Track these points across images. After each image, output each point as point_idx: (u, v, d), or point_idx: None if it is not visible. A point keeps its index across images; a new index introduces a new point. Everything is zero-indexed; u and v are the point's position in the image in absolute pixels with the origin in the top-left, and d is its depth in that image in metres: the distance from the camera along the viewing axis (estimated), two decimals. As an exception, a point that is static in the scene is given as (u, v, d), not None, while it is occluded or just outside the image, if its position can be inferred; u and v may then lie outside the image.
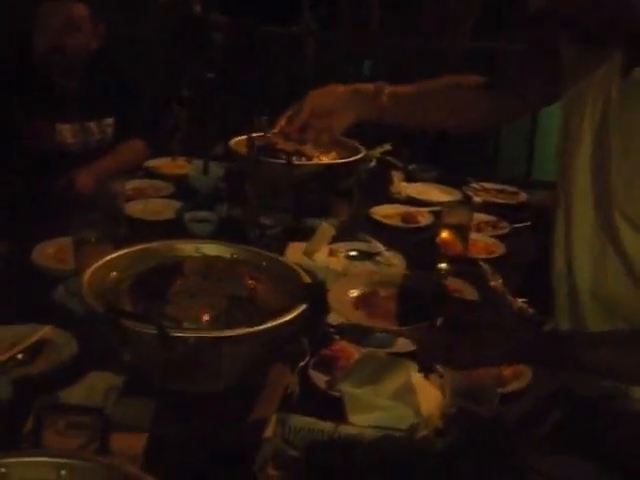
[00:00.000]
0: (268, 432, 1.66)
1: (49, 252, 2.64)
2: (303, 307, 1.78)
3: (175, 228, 2.90)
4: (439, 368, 1.96)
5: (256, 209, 2.82)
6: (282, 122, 2.29)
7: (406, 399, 1.75)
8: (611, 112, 1.67)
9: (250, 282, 1.90)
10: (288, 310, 1.76)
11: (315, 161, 2.93)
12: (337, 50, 6.65)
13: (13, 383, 1.84)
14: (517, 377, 2.02)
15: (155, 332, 1.62)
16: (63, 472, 1.20)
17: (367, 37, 6.43)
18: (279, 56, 6.79)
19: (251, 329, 1.69)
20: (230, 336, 1.68)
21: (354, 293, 1.86)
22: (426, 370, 1.86)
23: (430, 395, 1.80)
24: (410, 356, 1.98)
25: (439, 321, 1.64)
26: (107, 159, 3.41)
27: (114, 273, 1.97)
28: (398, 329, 1.76)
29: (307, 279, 1.95)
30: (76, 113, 3.44)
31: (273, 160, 2.86)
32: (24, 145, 3.38)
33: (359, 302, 1.84)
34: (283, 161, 2.83)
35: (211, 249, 2.04)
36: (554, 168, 1.89)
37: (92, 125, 3.49)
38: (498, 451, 1.60)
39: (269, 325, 1.70)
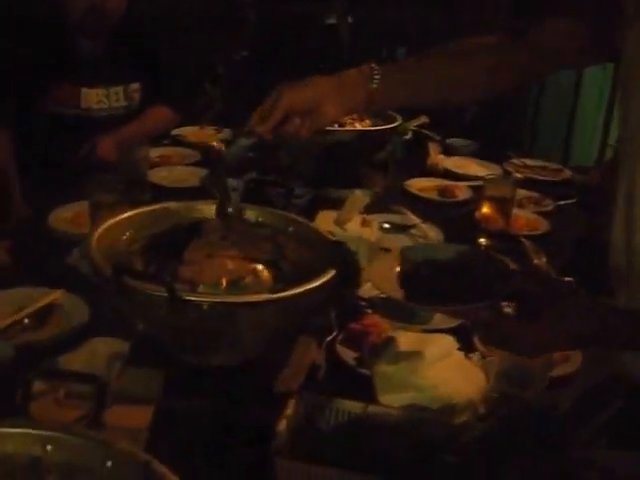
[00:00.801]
0: (289, 410, 1.47)
1: (66, 216, 2.49)
2: (331, 274, 1.57)
3: (199, 196, 2.72)
4: (482, 347, 1.77)
5: (285, 177, 2.64)
6: (253, 121, 1.92)
7: (444, 380, 1.55)
8: None
9: (274, 246, 1.69)
10: (314, 277, 1.55)
11: (348, 128, 2.74)
12: (370, 29, 6.48)
13: (16, 349, 1.66)
14: (566, 360, 1.83)
15: (165, 295, 1.42)
16: (49, 447, 1.01)
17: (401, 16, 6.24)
18: (312, 35, 6.63)
19: (272, 295, 1.50)
20: (249, 302, 1.49)
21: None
22: (468, 349, 1.66)
23: (471, 376, 1.60)
24: (450, 333, 1.79)
25: (501, 300, 1.41)
26: (131, 125, 3.23)
27: (128, 233, 1.78)
28: (452, 308, 1.47)
29: (338, 247, 1.74)
30: (102, 78, 3.24)
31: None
32: (49, 108, 3.18)
33: None
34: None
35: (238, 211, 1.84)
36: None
37: (118, 90, 3.30)
38: (547, 441, 1.40)
39: (293, 292, 1.50)
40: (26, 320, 1.83)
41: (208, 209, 1.84)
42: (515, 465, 1.36)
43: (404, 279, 1.49)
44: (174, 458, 0.95)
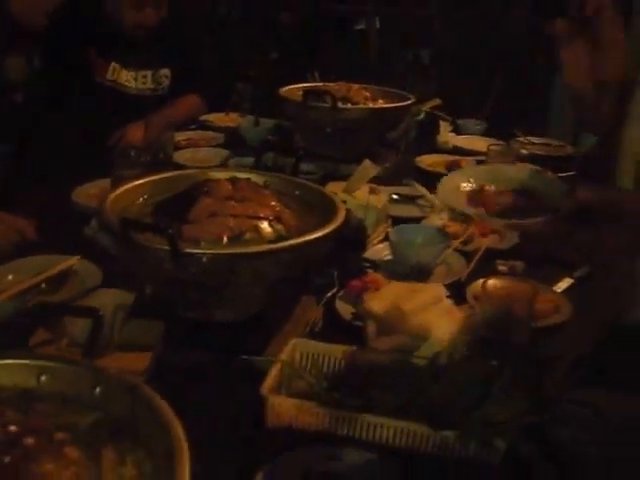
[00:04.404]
0: (283, 355, 1.48)
1: (91, 192, 2.50)
2: (329, 229, 1.58)
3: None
4: (471, 300, 1.78)
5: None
6: None
7: (432, 324, 1.55)
8: None
9: (278, 205, 1.70)
10: (312, 231, 1.57)
11: (361, 106, 2.75)
12: (397, 30, 6.48)
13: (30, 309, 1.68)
14: (556, 311, 1.83)
15: (168, 248, 1.44)
16: (43, 377, 1.01)
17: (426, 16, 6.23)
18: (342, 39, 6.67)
19: (269, 246, 1.52)
20: (247, 253, 1.50)
21: (467, 187, 1.58)
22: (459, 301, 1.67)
23: (459, 322, 1.60)
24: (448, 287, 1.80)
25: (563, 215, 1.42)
26: (162, 112, 3.23)
27: (142, 198, 1.81)
28: (519, 222, 1.48)
29: (344, 209, 1.75)
30: (133, 60, 3.25)
31: (318, 104, 2.69)
32: (83, 79, 3.19)
33: (472, 196, 1.56)
34: (328, 105, 2.66)
35: (245, 175, 1.86)
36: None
37: (147, 74, 3.31)
38: (527, 379, 1.40)
39: (289, 243, 1.51)
40: (43, 285, 1.82)
41: (219, 174, 1.86)
42: (494, 400, 1.36)
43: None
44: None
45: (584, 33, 1.52)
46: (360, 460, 1.32)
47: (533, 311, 1.66)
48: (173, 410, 0.91)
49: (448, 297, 1.70)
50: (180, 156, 2.95)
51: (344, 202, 1.93)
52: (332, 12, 6.90)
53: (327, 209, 1.71)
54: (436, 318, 1.57)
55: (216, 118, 3.58)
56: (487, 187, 1.55)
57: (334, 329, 1.75)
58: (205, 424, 1.36)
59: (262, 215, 1.64)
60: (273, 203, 1.69)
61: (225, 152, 3.01)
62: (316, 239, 1.53)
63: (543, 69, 5.43)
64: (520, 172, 1.60)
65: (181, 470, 0.83)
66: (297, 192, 1.83)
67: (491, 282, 1.69)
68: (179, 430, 0.89)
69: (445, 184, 1.59)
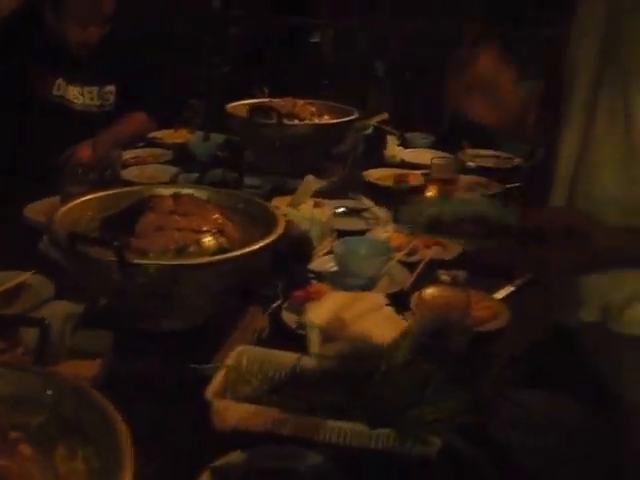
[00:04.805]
0: (229, 361, 1.56)
1: (42, 209, 2.55)
2: (268, 241, 1.68)
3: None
4: (414, 307, 1.88)
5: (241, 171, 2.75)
6: None
7: (372, 330, 1.65)
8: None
9: (220, 218, 1.79)
10: (253, 243, 1.66)
11: (306, 122, 2.85)
12: (351, 43, 6.58)
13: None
14: (495, 317, 1.94)
15: (115, 260, 1.52)
16: (-4, 383, 1.11)
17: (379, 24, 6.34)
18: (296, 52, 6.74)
19: (210, 258, 1.60)
20: (190, 265, 1.59)
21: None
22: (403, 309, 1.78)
23: (399, 329, 1.69)
24: (389, 297, 1.89)
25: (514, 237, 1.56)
26: (109, 131, 3.30)
27: (89, 213, 1.89)
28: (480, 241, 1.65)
29: (284, 221, 1.85)
30: (79, 76, 3.32)
31: (264, 120, 2.79)
32: (27, 96, 3.25)
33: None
34: (273, 121, 2.75)
35: (189, 191, 1.95)
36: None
37: (93, 90, 3.38)
38: (462, 381, 1.50)
39: (229, 255, 1.61)
40: (-2, 298, 1.90)
41: (163, 190, 1.95)
42: (430, 400, 1.46)
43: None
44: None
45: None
46: (306, 459, 1.41)
47: (470, 318, 1.76)
48: (122, 416, 0.99)
49: (388, 305, 1.79)
50: (128, 173, 3.01)
51: (285, 215, 2.03)
52: (285, 25, 6.98)
53: (268, 222, 1.80)
54: (376, 325, 1.66)
55: (165, 135, 3.64)
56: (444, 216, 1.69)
57: (280, 338, 1.83)
58: (154, 429, 1.45)
59: (205, 228, 1.73)
60: (216, 217, 1.78)
61: (173, 169, 3.07)
62: (255, 251, 1.63)
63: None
64: (473, 201, 1.73)
65: (125, 465, 0.91)
66: (240, 206, 1.92)
67: (429, 291, 1.80)
68: (122, 428, 0.97)
69: (406, 210, 1.71)
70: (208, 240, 1.72)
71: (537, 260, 1.57)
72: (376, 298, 1.77)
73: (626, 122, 1.64)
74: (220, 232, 1.75)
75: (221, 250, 1.71)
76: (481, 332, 1.85)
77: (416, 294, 1.98)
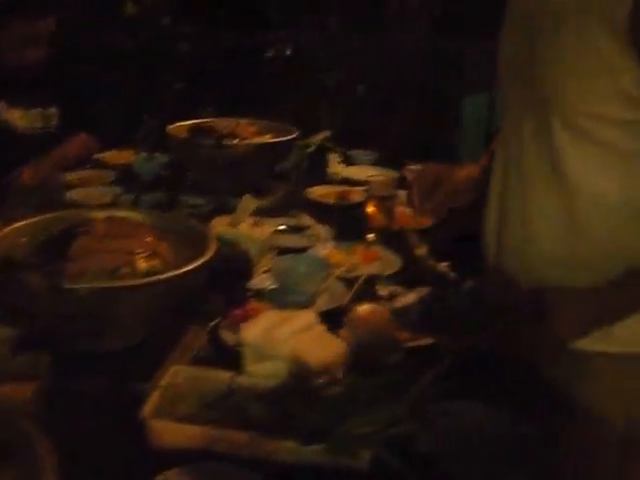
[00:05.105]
0: (164, 381, 1.60)
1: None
2: (198, 262, 1.71)
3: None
4: (344, 323, 1.92)
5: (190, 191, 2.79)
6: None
7: (304, 349, 1.68)
8: (535, 22, 1.69)
9: (153, 240, 1.82)
10: (185, 264, 1.70)
11: (246, 141, 2.89)
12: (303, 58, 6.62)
13: None
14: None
15: (47, 285, 1.55)
16: None
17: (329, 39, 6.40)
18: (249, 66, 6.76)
19: (143, 280, 1.63)
20: (123, 287, 1.62)
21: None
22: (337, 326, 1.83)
23: (331, 346, 1.73)
24: (330, 314, 1.95)
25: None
26: (52, 153, 3.31)
27: (24, 238, 1.91)
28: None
29: (215, 242, 1.89)
30: (21, 98, 3.34)
31: (204, 141, 2.83)
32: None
33: None
34: (213, 142, 2.80)
35: (122, 214, 1.98)
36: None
37: (36, 112, 3.39)
38: (391, 394, 1.54)
39: (158, 277, 1.64)
40: None
41: (98, 213, 1.98)
42: (360, 414, 1.50)
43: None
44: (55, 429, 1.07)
45: None
46: (241, 476, 1.44)
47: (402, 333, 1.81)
48: (60, 436, 1.04)
49: (320, 323, 1.83)
50: (72, 195, 3.02)
51: (224, 235, 2.07)
52: (236, 41, 7.00)
53: (201, 243, 1.84)
54: (308, 343, 1.70)
55: (110, 156, 3.65)
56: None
57: (219, 355, 1.87)
58: (92, 449, 1.48)
59: (138, 251, 1.76)
60: (149, 239, 1.82)
61: (117, 190, 3.10)
62: (186, 272, 1.66)
63: (448, 93, 5.65)
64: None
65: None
66: (174, 227, 1.96)
67: (362, 308, 1.85)
68: (46, 452, 1.01)
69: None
70: (141, 262, 1.75)
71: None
72: (307, 317, 1.81)
73: (552, 154, 1.70)
74: (153, 254, 1.78)
75: (154, 272, 1.73)
76: (412, 346, 1.89)
77: (349, 311, 2.02)
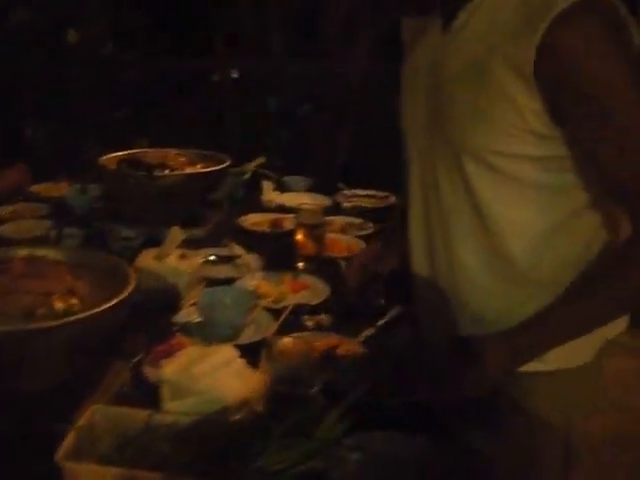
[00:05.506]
0: (81, 422, 1.60)
1: None
2: (118, 299, 1.72)
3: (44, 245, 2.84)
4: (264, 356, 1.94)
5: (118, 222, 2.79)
6: None
7: (223, 384, 1.70)
8: (438, 67, 1.75)
9: (71, 279, 1.83)
10: (103, 302, 1.71)
11: (176, 172, 2.90)
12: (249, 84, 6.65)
13: None
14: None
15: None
16: None
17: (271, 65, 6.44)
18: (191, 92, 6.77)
19: (58, 321, 1.64)
20: (39, 328, 1.63)
21: None
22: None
23: (250, 380, 1.75)
24: (256, 346, 1.96)
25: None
26: None
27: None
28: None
29: (134, 278, 1.90)
30: None
31: (133, 172, 2.84)
32: None
33: None
34: (142, 173, 2.81)
35: (42, 252, 1.98)
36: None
37: None
38: (305, 428, 1.56)
39: (74, 318, 1.65)
40: None
41: (17, 251, 1.98)
42: (274, 450, 1.52)
43: None
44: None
45: None
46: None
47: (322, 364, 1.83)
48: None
49: (241, 357, 1.84)
50: (4, 230, 3.02)
51: (150, 269, 2.08)
52: (180, 68, 7.01)
53: (121, 279, 1.85)
54: (226, 379, 1.71)
55: (43, 188, 3.65)
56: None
57: (142, 393, 1.86)
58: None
59: (55, 290, 1.77)
60: (67, 277, 1.82)
61: (49, 223, 3.09)
62: (104, 311, 1.67)
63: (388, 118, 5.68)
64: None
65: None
66: (94, 264, 1.96)
67: (284, 340, 1.87)
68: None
69: None
70: (57, 302, 1.75)
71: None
72: (228, 351, 1.82)
73: (466, 186, 1.74)
74: (70, 293, 1.79)
75: (71, 312, 1.74)
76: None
77: (270, 344, 2.04)
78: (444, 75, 1.74)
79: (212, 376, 1.72)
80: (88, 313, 1.66)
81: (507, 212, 1.72)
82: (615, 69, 1.54)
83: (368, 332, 2.18)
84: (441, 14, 1.77)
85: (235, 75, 6.94)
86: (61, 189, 3.59)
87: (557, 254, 1.74)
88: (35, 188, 3.65)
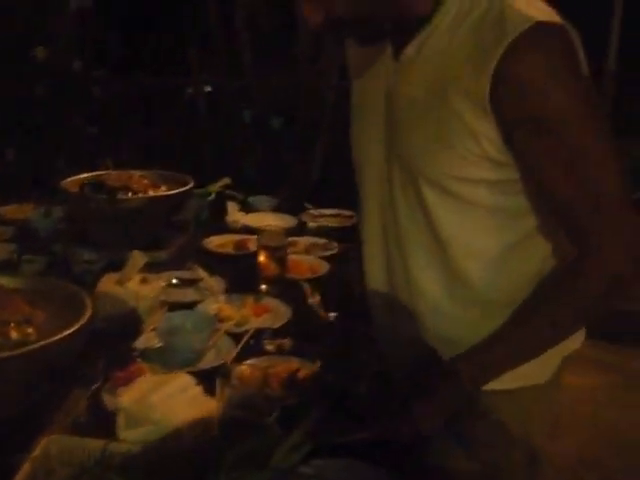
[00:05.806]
0: (37, 452, 1.61)
1: None
2: (75, 327, 1.73)
3: (6, 269, 2.85)
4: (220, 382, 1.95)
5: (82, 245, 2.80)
6: None
7: (178, 412, 1.71)
8: (393, 94, 1.77)
9: (27, 308, 1.84)
10: (60, 331, 1.72)
11: (140, 195, 2.91)
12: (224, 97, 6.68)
13: None
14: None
15: None
16: None
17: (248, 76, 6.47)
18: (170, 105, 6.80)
19: (14, 351, 1.65)
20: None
21: None
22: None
23: (207, 407, 1.76)
24: (216, 371, 1.96)
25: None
26: None
27: None
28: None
29: (90, 306, 1.90)
30: None
31: (96, 195, 2.85)
32: None
33: None
34: (104, 196, 2.82)
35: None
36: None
37: None
38: (259, 455, 1.57)
39: (32, 347, 1.66)
40: None
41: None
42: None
43: None
44: None
45: None
46: None
47: (280, 389, 1.84)
48: None
49: (197, 384, 1.85)
50: (-34, 253, 3.02)
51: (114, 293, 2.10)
52: (152, 84, 7.03)
53: (78, 306, 1.86)
54: (181, 407, 1.73)
55: (10, 210, 3.64)
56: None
57: (99, 421, 1.87)
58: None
59: (11, 320, 1.78)
60: (24, 307, 1.83)
61: (13, 246, 3.09)
62: (60, 339, 1.68)
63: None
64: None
65: None
66: (51, 291, 1.97)
67: (240, 367, 1.88)
68: None
69: None
70: (13, 332, 1.76)
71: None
72: (184, 379, 1.84)
73: (422, 208, 1.77)
74: (27, 322, 1.80)
75: (27, 341, 1.75)
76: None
77: (226, 370, 2.05)
78: (399, 103, 1.77)
79: (167, 404, 1.73)
80: (43, 343, 1.67)
81: (463, 235, 1.75)
82: (567, 94, 1.56)
83: (328, 355, 2.20)
84: (391, 42, 1.78)
85: (208, 89, 6.98)
86: (26, 211, 3.59)
87: (513, 275, 1.77)
88: (0, 210, 3.63)
